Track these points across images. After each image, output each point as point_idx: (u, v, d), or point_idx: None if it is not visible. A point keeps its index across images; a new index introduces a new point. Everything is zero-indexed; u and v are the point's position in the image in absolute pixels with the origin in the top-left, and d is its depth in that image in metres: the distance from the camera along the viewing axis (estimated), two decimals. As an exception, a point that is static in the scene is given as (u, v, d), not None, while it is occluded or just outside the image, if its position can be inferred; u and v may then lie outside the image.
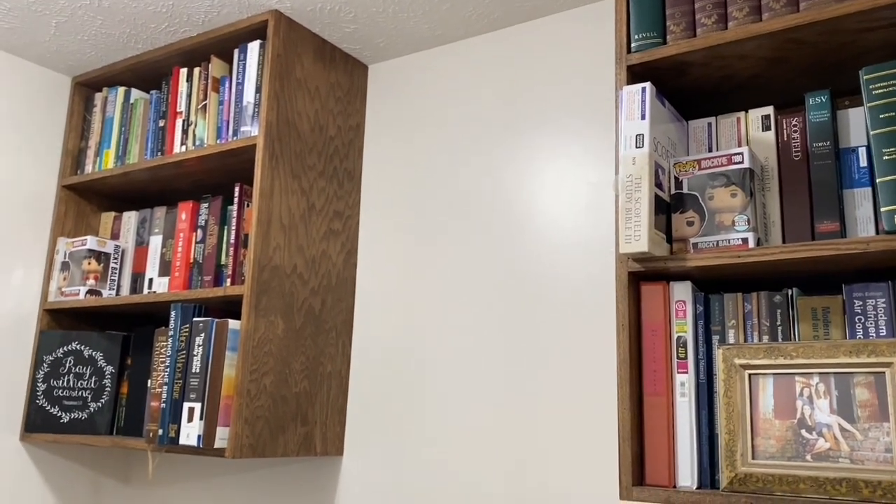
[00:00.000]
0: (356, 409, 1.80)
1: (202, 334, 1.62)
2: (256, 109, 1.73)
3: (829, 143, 1.16)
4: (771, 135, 1.23)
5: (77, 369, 1.95)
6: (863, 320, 1.08)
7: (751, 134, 1.25)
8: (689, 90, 1.33)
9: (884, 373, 1.01)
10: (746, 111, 1.26)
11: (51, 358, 1.95)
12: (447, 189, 1.79)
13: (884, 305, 1.06)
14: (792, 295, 1.13)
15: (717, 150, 1.28)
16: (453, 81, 1.84)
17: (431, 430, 1.67)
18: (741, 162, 1.16)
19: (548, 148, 1.66)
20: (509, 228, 1.67)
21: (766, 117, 1.24)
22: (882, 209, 1.00)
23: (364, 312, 1.84)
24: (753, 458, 1.07)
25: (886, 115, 1.01)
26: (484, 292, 1.67)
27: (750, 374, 1.10)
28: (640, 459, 1.14)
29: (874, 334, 1.07)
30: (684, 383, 1.14)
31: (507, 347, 1.61)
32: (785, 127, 1.21)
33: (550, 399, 1.53)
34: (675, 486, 1.12)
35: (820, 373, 1.05)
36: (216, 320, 1.61)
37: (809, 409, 1.05)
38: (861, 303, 1.08)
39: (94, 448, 2.10)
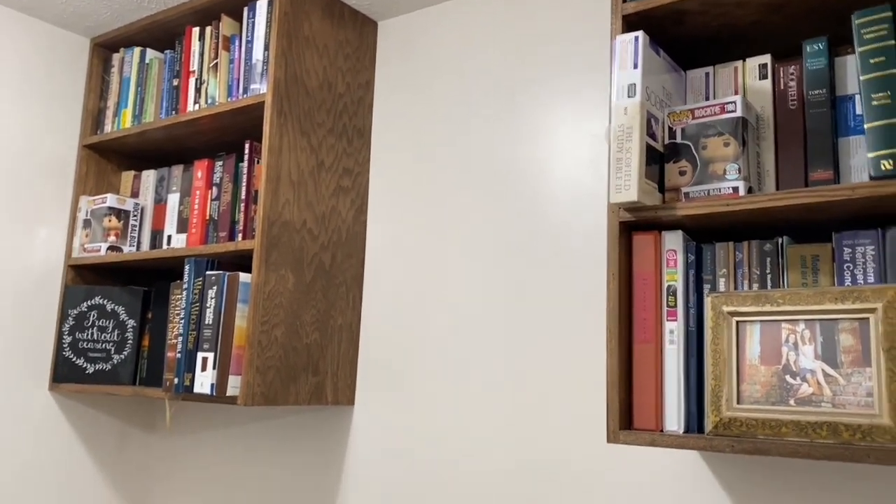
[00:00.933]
0: (367, 361, 1.84)
1: (214, 287, 1.67)
2: (265, 67, 1.75)
3: (825, 90, 1.15)
4: (768, 83, 1.22)
5: (100, 323, 2.03)
6: (851, 268, 1.08)
7: (748, 83, 1.24)
8: (688, 39, 1.32)
9: (868, 319, 1.01)
10: (744, 60, 1.25)
11: (75, 312, 2.03)
12: (457, 145, 1.80)
13: (872, 253, 1.06)
14: (782, 243, 1.13)
15: (714, 99, 1.27)
16: (463, 37, 1.84)
17: (439, 380, 1.71)
18: (734, 111, 1.16)
19: (559, 102, 1.66)
20: (517, 183, 1.68)
21: (764, 66, 1.23)
22: (869, 155, 1.00)
23: (374, 267, 1.88)
24: (738, 402, 1.09)
25: (876, 59, 1.00)
26: (491, 246, 1.69)
27: (738, 322, 1.11)
28: (628, 405, 1.17)
29: (862, 281, 1.07)
30: (673, 331, 1.16)
31: (513, 299, 1.64)
32: (782, 75, 1.21)
33: (553, 347, 1.56)
34: (662, 431, 1.14)
35: (806, 319, 1.06)
36: (228, 273, 1.66)
37: (794, 354, 1.06)
38: (850, 250, 1.08)
39: (120, 398, 2.19)
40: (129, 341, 2.03)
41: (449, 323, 1.72)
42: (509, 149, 1.71)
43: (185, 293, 1.72)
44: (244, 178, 1.78)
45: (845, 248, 1.09)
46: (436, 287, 1.76)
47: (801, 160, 1.16)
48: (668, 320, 1.17)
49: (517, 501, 1.55)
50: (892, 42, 1.00)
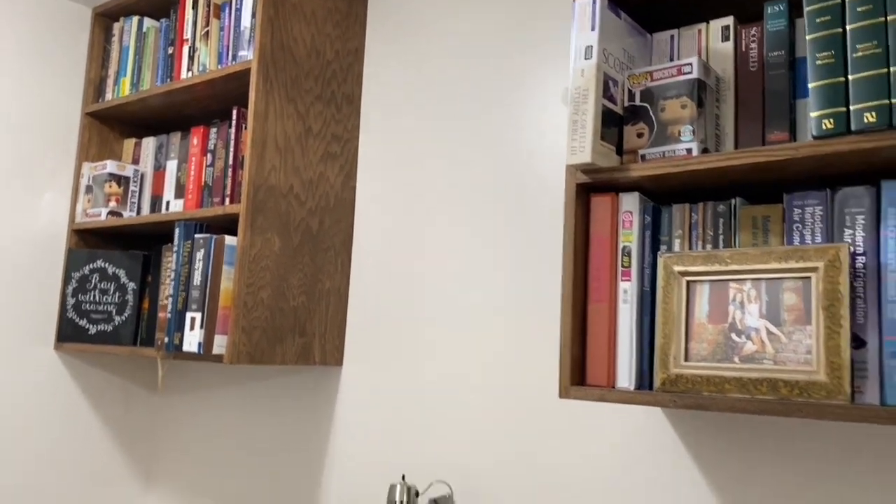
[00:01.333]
0: (356, 323, 1.89)
1: (202, 250, 1.72)
2: (253, 34, 1.78)
3: (784, 52, 1.15)
4: (729, 45, 1.22)
5: (102, 285, 2.10)
6: (800, 228, 1.09)
7: (711, 45, 1.24)
8: (657, 2, 1.32)
9: (810, 278, 1.02)
10: (708, 22, 1.25)
11: (78, 274, 2.10)
12: (447, 112, 1.82)
13: (821, 213, 1.07)
14: (735, 204, 1.14)
15: (672, 62, 1.27)
16: (453, 3, 1.85)
17: (427, 341, 1.75)
18: (690, 73, 1.17)
19: (549, 68, 1.67)
20: (507, 150, 1.70)
21: (726, 28, 1.23)
22: (812, 114, 1.00)
23: (363, 233, 1.91)
24: (686, 360, 1.11)
25: (822, 18, 1.00)
26: (479, 211, 1.72)
27: (688, 281, 1.13)
28: (581, 362, 1.20)
29: (810, 241, 1.08)
30: (627, 290, 1.18)
31: (499, 262, 1.66)
32: (743, 37, 1.20)
33: (536, 307, 1.59)
34: (613, 387, 1.17)
35: (752, 279, 1.08)
36: (215, 236, 1.71)
37: (741, 313, 1.08)
38: (800, 211, 1.09)
39: (124, 358, 2.27)
40: (130, 303, 2.10)
41: (436, 286, 1.76)
42: (499, 115, 1.72)
43: (175, 255, 1.78)
44: (232, 143, 1.82)
45: (795, 209, 1.09)
46: (424, 252, 1.79)
47: (759, 122, 1.17)
48: (622, 280, 1.19)
49: (504, 457, 1.59)
50: (838, 1, 0.99)
